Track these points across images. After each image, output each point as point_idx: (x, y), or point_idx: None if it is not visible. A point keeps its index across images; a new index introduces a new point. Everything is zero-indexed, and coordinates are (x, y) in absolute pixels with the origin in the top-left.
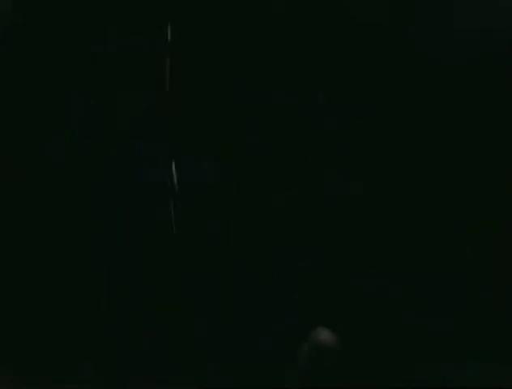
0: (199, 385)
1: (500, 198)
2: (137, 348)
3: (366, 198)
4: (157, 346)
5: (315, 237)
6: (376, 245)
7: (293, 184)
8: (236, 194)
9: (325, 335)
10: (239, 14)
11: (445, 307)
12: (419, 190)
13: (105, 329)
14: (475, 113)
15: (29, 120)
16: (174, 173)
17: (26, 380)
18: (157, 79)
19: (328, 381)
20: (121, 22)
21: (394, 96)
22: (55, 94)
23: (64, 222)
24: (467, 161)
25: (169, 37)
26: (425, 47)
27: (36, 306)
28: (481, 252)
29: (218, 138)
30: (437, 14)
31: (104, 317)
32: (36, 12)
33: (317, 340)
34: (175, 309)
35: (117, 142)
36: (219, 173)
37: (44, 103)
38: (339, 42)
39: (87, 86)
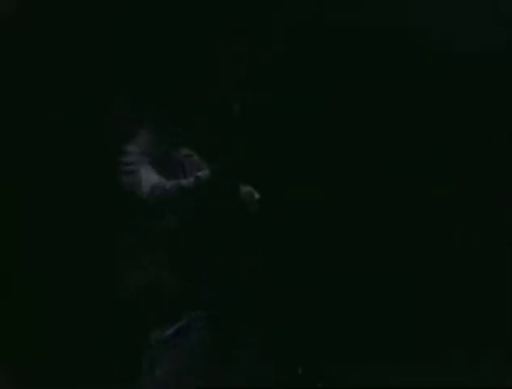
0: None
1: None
2: (137, 350)
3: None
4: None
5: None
6: (373, 246)
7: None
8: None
9: None
10: None
11: (444, 307)
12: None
13: (105, 332)
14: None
15: (30, 119)
16: None
17: (26, 383)
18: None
19: None
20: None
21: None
22: (55, 94)
23: (66, 226)
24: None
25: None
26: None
27: (38, 311)
28: (480, 253)
29: None
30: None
31: (105, 321)
32: (40, 12)
33: None
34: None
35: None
36: None
37: (45, 103)
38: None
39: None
